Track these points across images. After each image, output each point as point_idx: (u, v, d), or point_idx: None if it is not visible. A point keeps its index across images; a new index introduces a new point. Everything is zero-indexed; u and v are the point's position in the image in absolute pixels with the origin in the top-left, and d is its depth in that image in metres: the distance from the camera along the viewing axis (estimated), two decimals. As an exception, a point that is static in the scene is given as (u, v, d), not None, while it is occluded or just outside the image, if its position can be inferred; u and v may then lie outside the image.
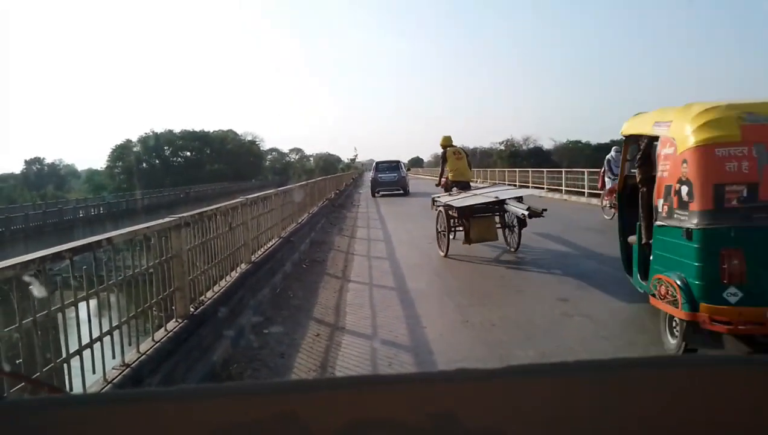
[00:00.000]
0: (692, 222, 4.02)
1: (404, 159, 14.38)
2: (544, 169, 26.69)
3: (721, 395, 0.55)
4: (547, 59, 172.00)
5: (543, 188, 25.09)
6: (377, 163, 30.72)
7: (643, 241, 5.12)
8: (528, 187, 26.87)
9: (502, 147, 74.45)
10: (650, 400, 0.54)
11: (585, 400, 0.55)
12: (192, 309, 4.60)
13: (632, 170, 5.81)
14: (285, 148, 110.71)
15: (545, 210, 8.31)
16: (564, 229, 10.63)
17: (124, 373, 3.28)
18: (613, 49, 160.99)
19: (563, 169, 24.63)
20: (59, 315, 2.85)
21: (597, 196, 19.69)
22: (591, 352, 4.67)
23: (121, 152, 76.11)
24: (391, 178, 28.56)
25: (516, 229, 9.25)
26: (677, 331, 4.27)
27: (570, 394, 0.55)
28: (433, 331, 5.42)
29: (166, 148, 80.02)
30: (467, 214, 9.09)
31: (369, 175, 34.84)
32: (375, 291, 7.42)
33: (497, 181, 31.21)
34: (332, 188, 25.78)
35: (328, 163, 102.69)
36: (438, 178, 11.62)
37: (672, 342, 4.37)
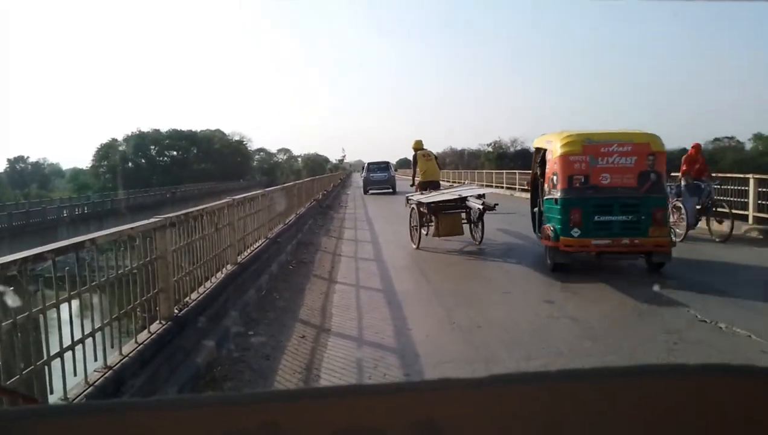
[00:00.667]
0: (558, 195, 7.55)
1: (393, 160, 15.95)
2: (531, 172, 26.74)
3: (707, 404, 0.55)
4: (537, 62, 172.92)
5: (530, 190, 25.24)
6: (369, 164, 33.13)
7: (539, 209, 8.58)
8: (515, 188, 27.14)
9: (490, 149, 74.77)
10: (637, 408, 0.54)
11: (570, 409, 0.54)
12: (176, 310, 4.57)
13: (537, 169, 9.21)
14: (273, 149, 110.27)
15: (497, 204, 9.66)
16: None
17: (106, 375, 3.24)
18: (603, 53, 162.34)
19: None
20: (40, 317, 2.81)
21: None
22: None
23: (107, 151, 75.41)
24: (381, 178, 30.91)
25: (480, 225, 10.24)
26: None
27: (555, 403, 0.54)
28: (419, 333, 5.42)
29: (152, 147, 79.42)
30: (436, 210, 10.15)
31: (357, 176, 36.60)
32: (362, 293, 7.41)
33: (481, 183, 31.42)
34: (320, 189, 25.75)
35: (316, 164, 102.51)
36: (411, 179, 12.63)
37: (549, 262, 7.84)
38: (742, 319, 5.41)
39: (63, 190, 70.74)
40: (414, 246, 10.35)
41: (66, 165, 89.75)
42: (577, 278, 7.56)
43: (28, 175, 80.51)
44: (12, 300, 2.60)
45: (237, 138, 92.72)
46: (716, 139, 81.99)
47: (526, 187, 24.40)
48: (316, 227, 15.35)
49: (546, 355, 4.75)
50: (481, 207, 9.63)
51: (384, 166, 32.44)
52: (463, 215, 10.38)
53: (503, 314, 6.07)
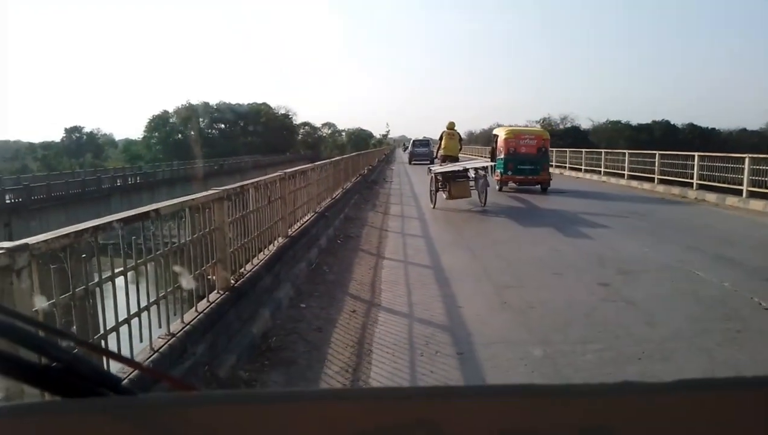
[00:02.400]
0: (502, 156, 16.67)
1: (435, 135, 17.92)
2: (582, 150, 26.07)
3: (726, 418, 0.50)
4: (593, 35, 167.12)
5: (580, 169, 24.64)
6: (414, 141, 44.42)
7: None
8: (564, 167, 26.59)
9: (539, 125, 73.10)
10: (644, 426, 0.51)
11: (575, 426, 0.50)
12: (232, 281, 4.64)
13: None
14: (317, 123, 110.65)
15: (486, 168, 13.81)
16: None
17: (170, 342, 3.33)
18: (659, 29, 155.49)
19: (603, 150, 24.03)
20: (109, 284, 2.89)
21: (638, 178, 19.33)
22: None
23: (158, 123, 77.25)
24: (422, 152, 39.25)
25: (485, 191, 13.02)
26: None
27: (560, 416, 0.50)
28: (469, 308, 5.38)
29: (201, 119, 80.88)
30: (449, 178, 12.98)
31: (400, 152, 41.74)
32: (410, 269, 7.40)
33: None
34: (365, 164, 25.77)
35: (360, 139, 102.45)
36: (435, 152, 16.42)
37: (497, 187, 16.54)
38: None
39: (116, 159, 73.08)
40: (432, 206, 13.24)
41: (119, 136, 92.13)
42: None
43: (83, 145, 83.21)
44: (84, 267, 2.68)
45: (283, 111, 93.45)
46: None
47: (578, 167, 24.19)
48: (362, 202, 15.39)
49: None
50: (473, 174, 13.04)
51: (425, 142, 41.94)
52: (471, 183, 13.04)
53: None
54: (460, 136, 14.92)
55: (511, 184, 17.26)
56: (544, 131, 18.68)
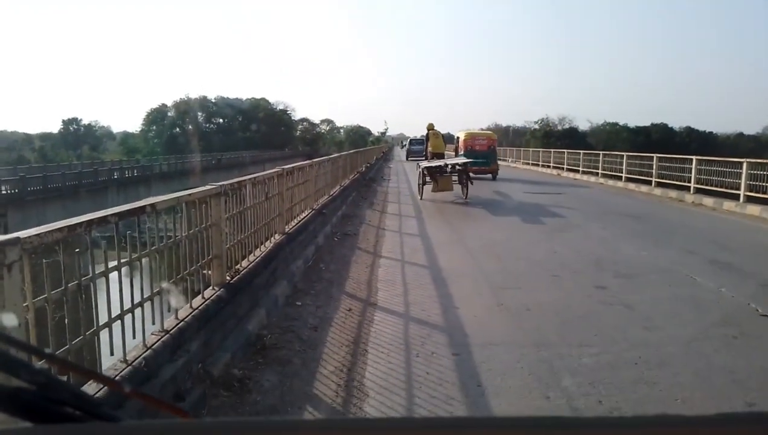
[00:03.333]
0: (462, 153, 19.88)
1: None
2: (581, 151, 26.07)
3: None
4: (591, 36, 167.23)
5: (578, 171, 24.64)
6: (411, 139, 46.91)
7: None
8: (562, 168, 26.61)
9: (537, 126, 73.12)
10: None
11: None
12: (228, 278, 4.60)
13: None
14: (316, 119, 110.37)
15: (466, 163, 15.04)
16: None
17: (163, 339, 3.29)
18: (660, 33, 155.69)
19: (600, 152, 24.03)
20: (102, 279, 2.85)
21: (636, 181, 19.35)
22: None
23: (156, 116, 77.02)
24: (419, 149, 39.08)
25: (467, 186, 14.70)
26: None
27: None
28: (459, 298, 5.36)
29: (199, 113, 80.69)
30: (435, 173, 14.73)
31: (398, 150, 41.59)
32: (407, 268, 7.37)
33: (527, 162, 31.01)
34: (363, 162, 25.72)
35: (358, 136, 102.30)
36: (425, 151, 18.38)
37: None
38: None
39: (113, 152, 72.85)
40: (419, 197, 15.07)
41: (117, 128, 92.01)
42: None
43: (81, 137, 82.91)
44: (77, 262, 2.64)
45: (281, 107, 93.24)
46: (777, 124, 78.09)
47: (575, 168, 24.22)
48: (359, 200, 15.35)
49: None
50: (449, 169, 14.81)
51: (422, 141, 51.61)
52: (454, 177, 14.82)
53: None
54: (443, 135, 17.77)
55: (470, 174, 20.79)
56: (492, 133, 23.54)
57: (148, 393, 2.37)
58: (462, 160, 16.00)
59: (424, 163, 15.54)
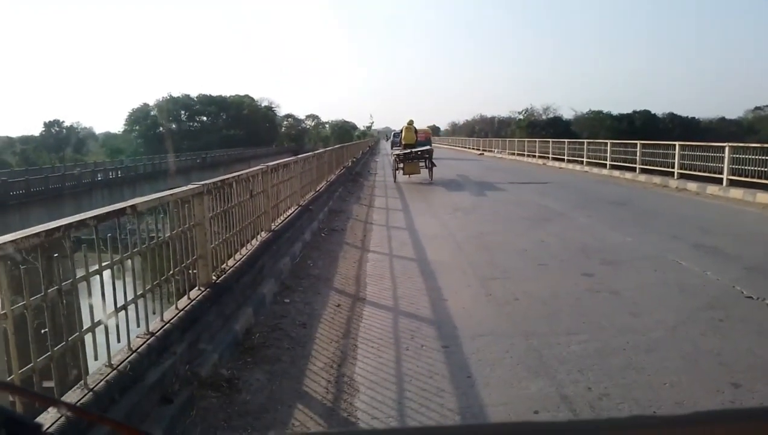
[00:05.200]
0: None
1: (421, 127, 19.89)
2: (565, 140, 26.19)
3: None
4: (574, 26, 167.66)
5: (563, 160, 24.77)
6: (394, 133, 48.13)
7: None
8: (547, 157, 26.76)
9: (521, 116, 73.34)
10: None
11: None
12: (214, 277, 4.56)
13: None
14: (301, 115, 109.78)
15: (428, 150, 18.78)
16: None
17: (149, 341, 3.25)
18: (640, 18, 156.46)
19: (585, 141, 24.16)
20: (84, 283, 2.80)
21: (620, 168, 19.49)
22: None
23: (138, 116, 76.21)
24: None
25: (431, 169, 18.63)
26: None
27: None
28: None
29: (183, 112, 79.99)
30: (404, 159, 18.55)
31: (384, 143, 41.36)
32: (395, 262, 7.35)
33: (512, 151, 31.20)
34: (349, 156, 25.65)
35: (344, 131, 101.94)
36: (401, 142, 19.43)
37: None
38: None
39: (96, 154, 71.95)
40: (392, 180, 19.08)
41: (99, 129, 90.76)
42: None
43: (63, 139, 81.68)
44: (57, 267, 2.59)
45: (265, 104, 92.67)
46: (756, 108, 78.97)
47: (561, 157, 24.32)
48: (346, 194, 15.31)
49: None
50: (407, 153, 18.45)
51: None
52: (421, 163, 18.66)
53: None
54: (415, 129, 19.29)
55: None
56: (428, 129, 23.77)
57: (119, 412, 2.30)
58: (425, 148, 18.78)
59: (397, 151, 19.10)
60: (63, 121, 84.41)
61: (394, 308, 5.39)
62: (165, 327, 3.49)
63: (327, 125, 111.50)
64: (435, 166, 18.75)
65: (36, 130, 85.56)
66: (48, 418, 2.08)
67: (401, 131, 19.93)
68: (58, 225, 2.60)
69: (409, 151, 18.45)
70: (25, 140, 77.12)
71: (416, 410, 3.34)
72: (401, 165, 18.57)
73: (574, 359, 4.00)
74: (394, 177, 19.01)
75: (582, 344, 4.28)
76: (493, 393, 3.54)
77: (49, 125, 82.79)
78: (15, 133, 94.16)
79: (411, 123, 19.59)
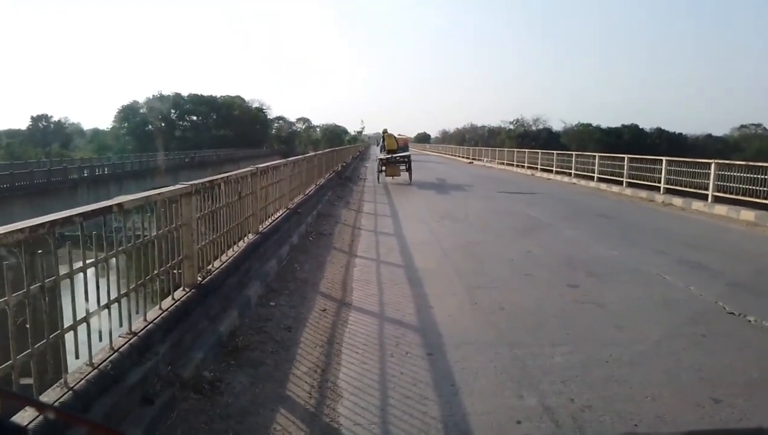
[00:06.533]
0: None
1: (413, 133, 23.31)
2: (554, 152, 26.38)
3: None
4: (566, 40, 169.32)
5: (552, 171, 24.93)
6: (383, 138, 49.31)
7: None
8: (536, 168, 26.91)
9: (512, 126, 73.78)
10: None
11: None
12: (200, 278, 4.53)
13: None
14: (292, 117, 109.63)
15: (407, 155, 21.56)
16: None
17: (131, 341, 3.21)
18: (631, 34, 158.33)
19: (573, 153, 24.35)
20: (67, 281, 2.77)
21: (607, 181, 19.64)
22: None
23: (128, 113, 75.68)
24: None
25: (410, 172, 21.11)
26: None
27: None
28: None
29: (173, 111, 79.54)
30: (386, 163, 21.26)
31: (375, 149, 41.70)
32: (382, 268, 7.35)
33: (502, 161, 31.41)
34: (339, 161, 25.64)
35: (335, 135, 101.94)
36: (381, 149, 22.14)
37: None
38: None
39: (84, 150, 71.25)
40: (378, 182, 21.28)
41: (87, 125, 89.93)
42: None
43: (50, 134, 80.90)
44: (39, 264, 2.55)
45: (256, 105, 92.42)
46: (742, 126, 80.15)
47: (549, 168, 24.49)
48: (335, 199, 15.28)
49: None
50: (389, 157, 21.22)
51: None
52: (402, 166, 21.22)
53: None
54: (395, 136, 22.10)
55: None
56: (407, 137, 25.66)
57: (99, 411, 2.26)
58: (405, 153, 21.62)
59: (381, 155, 22.05)
60: (51, 116, 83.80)
61: (380, 314, 5.38)
62: (148, 327, 3.46)
63: (318, 129, 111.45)
64: (411, 169, 21.46)
65: (23, 124, 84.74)
66: (24, 417, 2.04)
67: (382, 138, 22.57)
68: (42, 221, 2.56)
69: (390, 156, 21.25)
70: (12, 134, 76.24)
71: (399, 417, 3.33)
72: (384, 168, 21.25)
73: (558, 370, 4.02)
74: (378, 178, 21.54)
75: (566, 356, 4.29)
76: (477, 402, 3.54)
77: (36, 119, 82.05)
78: (1, 126, 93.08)
79: (385, 131, 22.48)
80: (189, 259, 4.35)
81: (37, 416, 2.04)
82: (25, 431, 0.52)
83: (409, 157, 21.43)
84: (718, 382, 3.87)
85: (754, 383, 3.89)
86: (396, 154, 21.33)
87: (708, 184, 14.09)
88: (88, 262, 2.93)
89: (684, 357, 4.31)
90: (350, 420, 3.31)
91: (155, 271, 3.77)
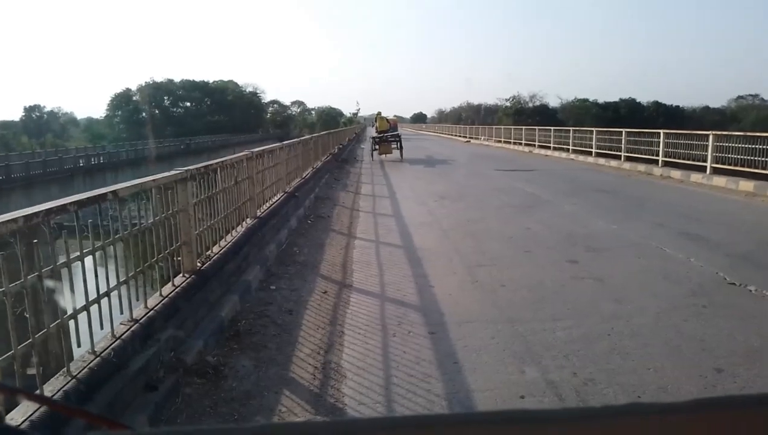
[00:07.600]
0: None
1: (408, 114, 24.29)
2: (551, 128, 26.27)
3: None
4: (562, 15, 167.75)
5: (549, 147, 24.86)
6: None
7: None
8: (534, 145, 26.84)
9: (508, 103, 73.41)
10: None
11: None
12: (199, 264, 4.51)
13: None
14: (286, 101, 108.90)
15: (397, 134, 23.57)
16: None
17: (132, 328, 3.21)
18: (626, 7, 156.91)
19: (570, 128, 24.25)
20: (65, 269, 2.75)
21: (605, 156, 19.58)
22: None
23: (121, 101, 75.17)
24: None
25: (401, 149, 22.79)
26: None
27: None
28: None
29: (166, 97, 78.99)
30: (379, 141, 23.17)
31: (370, 130, 42.38)
32: (381, 248, 7.34)
33: (499, 139, 31.39)
34: (336, 143, 25.55)
35: (330, 117, 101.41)
36: (375, 129, 24.24)
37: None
38: None
39: (78, 139, 70.91)
40: (371, 158, 23.38)
41: (80, 114, 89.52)
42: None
43: (44, 124, 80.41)
44: (37, 253, 2.53)
45: (250, 89, 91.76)
46: (739, 97, 79.83)
47: (547, 145, 24.41)
48: (332, 181, 15.24)
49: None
50: (380, 139, 23.20)
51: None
52: (393, 144, 22.91)
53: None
54: (386, 118, 24.09)
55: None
56: (395, 118, 27.94)
57: (99, 404, 2.25)
58: (395, 132, 23.52)
59: (374, 135, 24.31)
60: (44, 106, 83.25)
61: (381, 295, 5.38)
62: (149, 314, 3.45)
63: (313, 112, 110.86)
64: (402, 147, 23.08)
65: (16, 115, 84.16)
66: (25, 410, 2.04)
67: (375, 119, 24.88)
68: (37, 210, 2.54)
69: (382, 135, 23.32)
70: (5, 125, 75.75)
71: (403, 396, 3.34)
72: (377, 146, 23.21)
73: (560, 345, 4.03)
74: (372, 156, 23.56)
75: (567, 330, 4.30)
76: (480, 379, 3.56)
77: (29, 110, 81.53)
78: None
79: (379, 114, 24.73)
80: (187, 245, 4.34)
81: (37, 409, 2.04)
82: (25, 431, 0.50)
83: (399, 135, 23.36)
84: (719, 352, 3.88)
85: (756, 352, 3.91)
86: (387, 133, 23.23)
87: (706, 156, 14.05)
88: (85, 250, 2.91)
89: (685, 328, 4.32)
90: (355, 400, 3.33)
91: (154, 258, 3.76)
